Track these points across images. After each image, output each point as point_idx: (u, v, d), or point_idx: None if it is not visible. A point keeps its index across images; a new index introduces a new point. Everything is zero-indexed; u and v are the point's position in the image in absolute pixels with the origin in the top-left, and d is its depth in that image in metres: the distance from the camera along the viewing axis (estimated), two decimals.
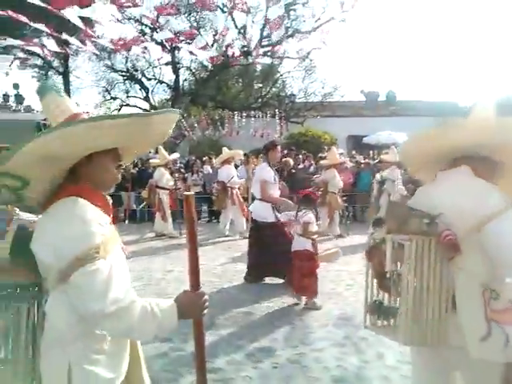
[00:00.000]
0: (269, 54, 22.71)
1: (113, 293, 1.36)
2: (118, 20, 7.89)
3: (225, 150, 9.44)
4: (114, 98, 25.86)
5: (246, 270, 5.83)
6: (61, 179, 1.53)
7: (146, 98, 25.24)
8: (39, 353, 1.46)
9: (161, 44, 12.17)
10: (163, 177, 9.16)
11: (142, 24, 19.63)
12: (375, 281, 1.89)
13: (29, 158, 1.36)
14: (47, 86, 1.53)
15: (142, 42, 8.59)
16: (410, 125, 16.49)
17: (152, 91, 25.49)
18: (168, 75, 25.55)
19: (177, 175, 10.21)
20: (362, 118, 21.37)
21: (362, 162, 12.18)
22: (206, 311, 1.58)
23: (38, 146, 1.35)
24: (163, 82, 25.31)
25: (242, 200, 9.07)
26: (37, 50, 11.07)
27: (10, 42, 8.44)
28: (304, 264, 4.75)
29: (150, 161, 9.78)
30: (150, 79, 25.24)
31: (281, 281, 5.56)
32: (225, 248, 7.97)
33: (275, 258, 5.53)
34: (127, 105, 25.80)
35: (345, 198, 9.81)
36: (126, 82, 25.57)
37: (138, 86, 25.64)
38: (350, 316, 4.54)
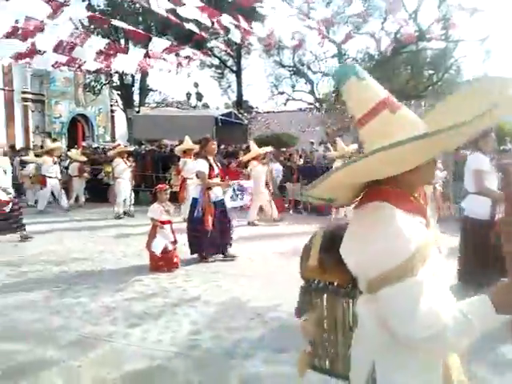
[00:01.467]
0: (443, 37, 21.06)
1: (423, 317, 1.17)
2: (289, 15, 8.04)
3: None
4: (281, 93, 27.02)
5: (457, 270, 5.12)
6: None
7: (311, 92, 25.77)
8: (350, 343, 1.45)
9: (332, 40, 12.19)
10: None
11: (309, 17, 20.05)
12: None
13: (336, 184, 1.28)
14: (345, 70, 1.34)
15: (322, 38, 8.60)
16: None
17: (317, 84, 25.95)
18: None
19: None
20: None
21: None
22: None
23: (348, 173, 1.24)
24: (328, 75, 25.52)
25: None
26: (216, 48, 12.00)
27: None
28: None
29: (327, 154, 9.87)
30: (315, 72, 25.70)
31: None
32: None
33: (489, 263, 4.85)
34: (293, 99, 26.73)
35: None
36: (293, 76, 26.49)
37: (303, 80, 26.37)
38: None
